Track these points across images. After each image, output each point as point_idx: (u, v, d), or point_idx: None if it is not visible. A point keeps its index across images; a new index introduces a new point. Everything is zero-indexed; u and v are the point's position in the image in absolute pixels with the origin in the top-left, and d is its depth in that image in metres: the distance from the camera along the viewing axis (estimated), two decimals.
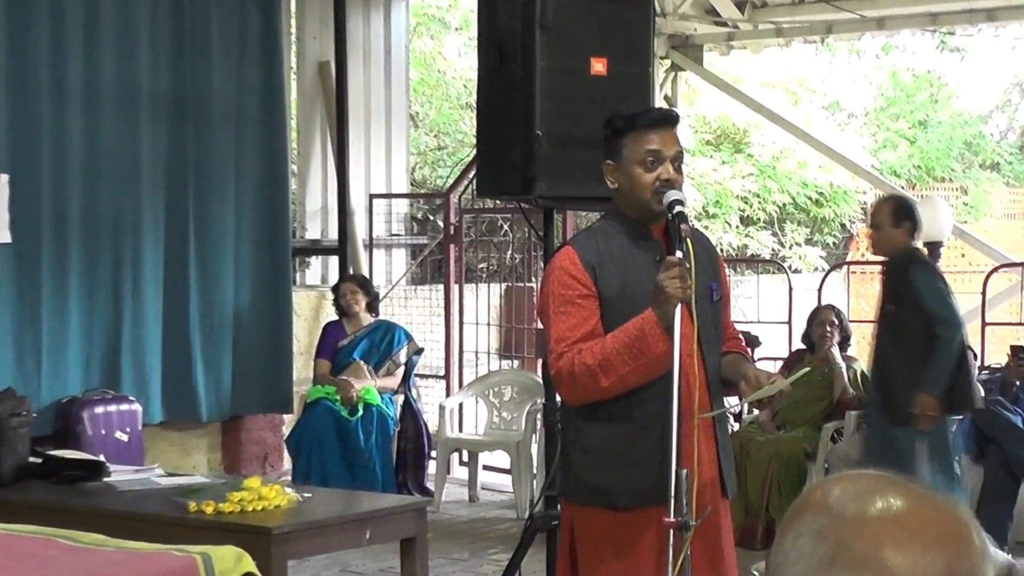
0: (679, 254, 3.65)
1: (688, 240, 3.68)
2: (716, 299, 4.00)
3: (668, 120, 3.95)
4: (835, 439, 8.07)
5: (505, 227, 12.93)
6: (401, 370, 9.00)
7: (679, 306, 3.60)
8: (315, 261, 11.00)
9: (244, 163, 9.09)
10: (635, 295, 3.80)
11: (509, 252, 12.27)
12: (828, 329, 8.29)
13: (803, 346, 8.53)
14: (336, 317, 9.13)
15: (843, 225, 19.84)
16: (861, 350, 9.27)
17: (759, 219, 18.82)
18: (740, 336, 4.26)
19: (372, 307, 9.08)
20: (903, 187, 18.33)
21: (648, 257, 3.88)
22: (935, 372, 6.37)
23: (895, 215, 6.55)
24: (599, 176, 3.96)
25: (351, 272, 9.91)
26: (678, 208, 3.73)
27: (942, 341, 6.36)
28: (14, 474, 5.84)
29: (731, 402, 4.30)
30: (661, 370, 3.66)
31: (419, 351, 9.21)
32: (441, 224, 11.26)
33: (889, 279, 6.67)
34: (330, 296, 9.28)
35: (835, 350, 8.24)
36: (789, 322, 9.71)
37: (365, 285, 9.14)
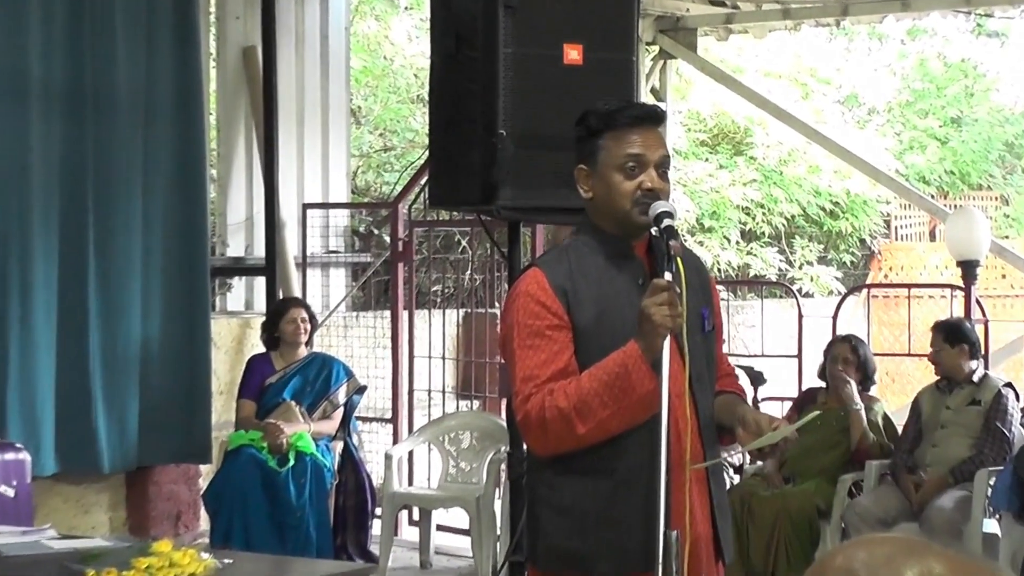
0: (668, 276, 3.65)
1: (678, 259, 3.68)
2: (708, 329, 4.00)
3: (652, 118, 3.95)
4: (853, 493, 8.09)
5: (463, 243, 12.95)
6: (340, 412, 8.98)
7: (667, 338, 3.61)
8: (238, 283, 10.98)
9: (154, 166, 9.06)
10: (615, 325, 3.80)
11: (468, 272, 12.28)
12: (843, 365, 8.32)
13: (820, 383, 8.55)
14: (263, 349, 9.10)
15: (862, 241, 19.94)
16: (884, 388, 9.31)
17: (763, 233, 18.90)
18: (735, 372, 4.27)
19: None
20: (933, 196, 18.46)
21: (630, 279, 3.88)
22: None
23: None
24: (572, 183, 3.97)
25: (292, 295, 9.88)
26: (666, 222, 3.73)
27: None
28: None
29: (731, 451, 4.31)
30: (647, 413, 3.66)
31: (361, 390, 9.20)
32: (388, 239, 11.26)
33: None
34: (256, 324, 9.25)
35: (853, 388, 8.26)
36: (799, 355, 9.75)
37: (311, 312, 9.13)
